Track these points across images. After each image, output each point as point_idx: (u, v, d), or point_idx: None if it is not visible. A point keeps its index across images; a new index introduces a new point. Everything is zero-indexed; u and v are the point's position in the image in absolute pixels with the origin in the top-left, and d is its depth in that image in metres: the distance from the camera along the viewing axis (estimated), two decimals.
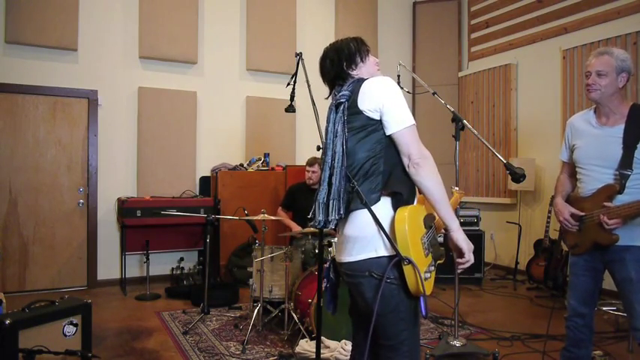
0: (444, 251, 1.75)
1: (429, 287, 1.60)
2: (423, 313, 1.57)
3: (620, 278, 2.21)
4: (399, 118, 1.61)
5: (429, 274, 1.59)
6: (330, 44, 1.85)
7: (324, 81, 1.86)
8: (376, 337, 1.67)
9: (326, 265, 1.84)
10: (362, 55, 1.80)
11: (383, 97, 1.62)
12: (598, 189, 2.24)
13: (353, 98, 1.66)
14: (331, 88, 1.84)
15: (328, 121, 1.72)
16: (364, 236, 1.62)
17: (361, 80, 1.70)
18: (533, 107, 5.63)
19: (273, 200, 5.32)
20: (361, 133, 1.64)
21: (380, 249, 1.60)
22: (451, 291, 4.57)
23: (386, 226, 1.59)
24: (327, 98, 1.88)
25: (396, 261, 1.56)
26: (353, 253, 1.64)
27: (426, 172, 1.57)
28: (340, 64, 1.78)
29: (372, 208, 1.61)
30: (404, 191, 1.61)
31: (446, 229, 1.65)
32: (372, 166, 1.63)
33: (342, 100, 1.68)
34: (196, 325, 3.74)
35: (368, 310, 1.66)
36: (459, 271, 1.67)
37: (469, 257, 1.62)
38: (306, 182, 4.45)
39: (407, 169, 1.60)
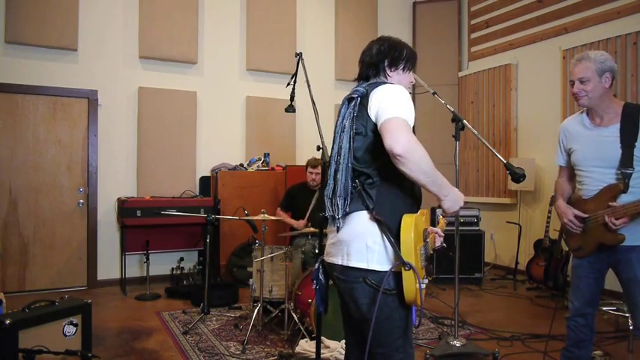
0: (432, 269, 1.77)
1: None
2: (414, 322, 1.55)
3: (625, 278, 2.21)
4: (388, 110, 1.50)
5: (423, 285, 1.57)
6: (388, 36, 1.80)
7: (359, 62, 1.80)
8: (370, 345, 1.64)
9: (315, 267, 1.81)
10: (407, 65, 1.77)
11: (382, 97, 1.57)
12: (601, 189, 2.23)
13: (366, 98, 1.62)
14: (359, 75, 1.79)
15: (339, 115, 1.70)
16: (359, 243, 1.58)
17: (382, 83, 1.65)
18: (533, 107, 5.62)
19: (273, 200, 5.32)
20: (365, 138, 1.60)
21: (372, 262, 1.55)
22: (451, 291, 4.56)
23: (377, 235, 1.56)
24: (355, 80, 1.81)
25: (393, 271, 1.53)
26: (347, 258, 1.61)
27: (411, 166, 1.45)
28: (385, 58, 1.73)
29: (362, 214, 1.58)
30: (390, 217, 1.56)
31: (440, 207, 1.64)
32: (369, 178, 1.60)
33: (354, 96, 1.64)
34: (196, 325, 3.74)
35: (358, 315, 1.63)
36: (437, 245, 1.70)
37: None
38: (307, 183, 4.44)
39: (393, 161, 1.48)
